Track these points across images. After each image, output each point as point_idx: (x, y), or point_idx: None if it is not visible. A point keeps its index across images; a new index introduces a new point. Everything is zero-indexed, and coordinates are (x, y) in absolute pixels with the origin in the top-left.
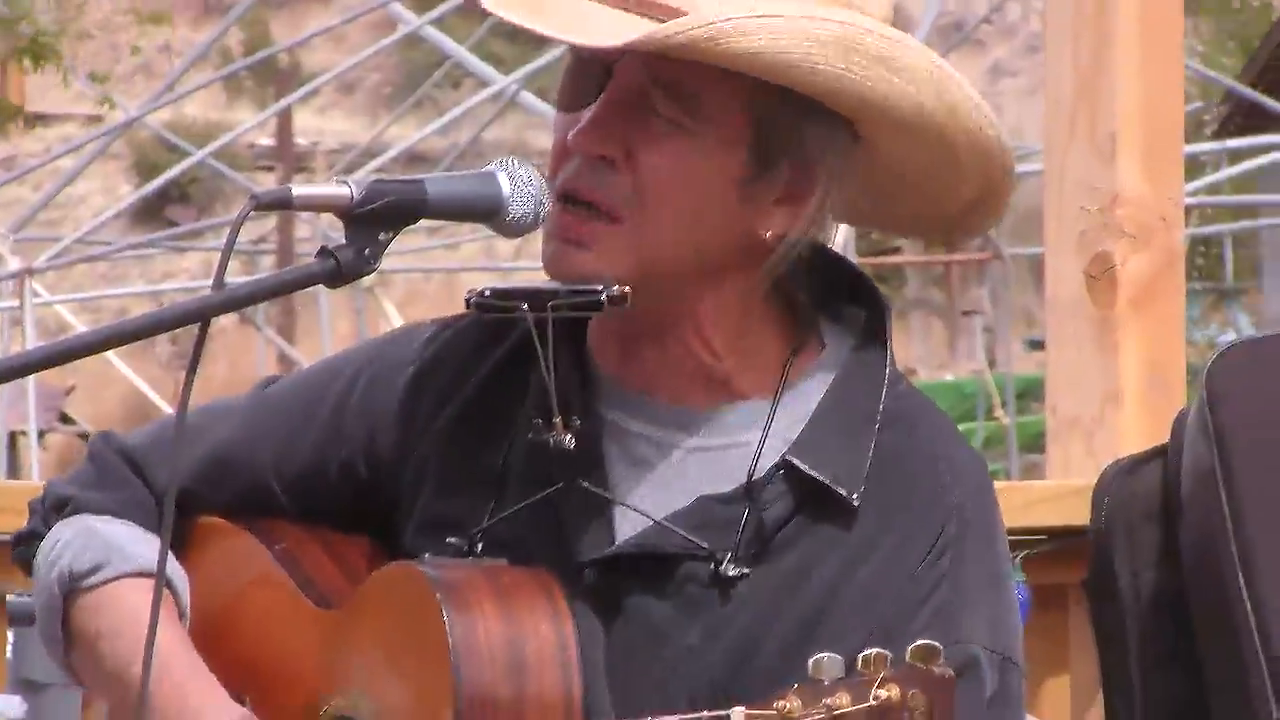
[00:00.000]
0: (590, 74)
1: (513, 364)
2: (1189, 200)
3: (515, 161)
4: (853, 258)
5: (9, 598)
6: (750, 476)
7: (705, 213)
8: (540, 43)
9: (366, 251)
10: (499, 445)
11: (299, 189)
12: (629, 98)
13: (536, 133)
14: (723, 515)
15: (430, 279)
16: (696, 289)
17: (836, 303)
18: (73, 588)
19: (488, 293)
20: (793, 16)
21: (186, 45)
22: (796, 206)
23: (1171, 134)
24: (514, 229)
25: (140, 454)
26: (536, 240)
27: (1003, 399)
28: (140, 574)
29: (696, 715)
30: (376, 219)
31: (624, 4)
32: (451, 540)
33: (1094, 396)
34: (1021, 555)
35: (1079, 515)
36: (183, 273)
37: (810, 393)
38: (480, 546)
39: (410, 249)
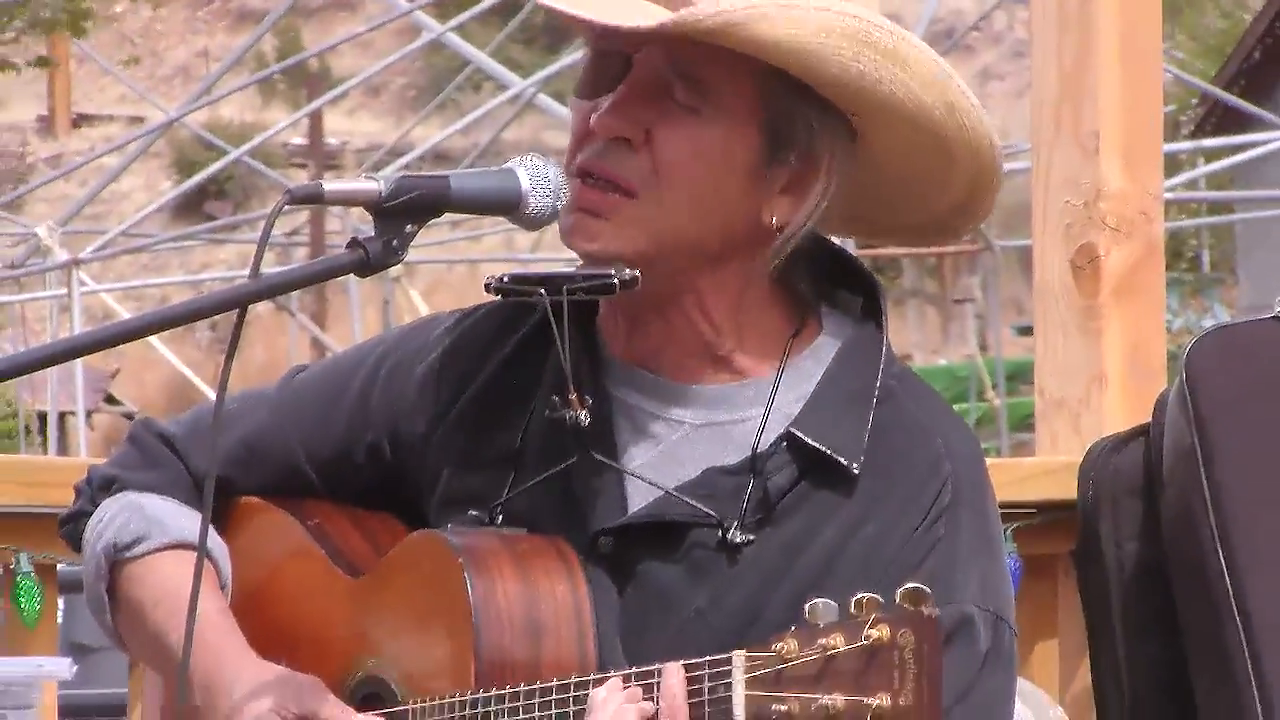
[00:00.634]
0: (611, 63)
1: (528, 349)
2: (1168, 196)
3: (534, 157)
4: (851, 248)
5: (59, 567)
6: (755, 449)
7: (716, 194)
8: (555, 47)
9: (394, 243)
10: (517, 424)
11: (330, 184)
12: (649, 85)
13: (553, 133)
14: (729, 485)
15: (453, 269)
16: (701, 268)
17: (835, 288)
18: (117, 559)
19: (506, 279)
20: (811, 8)
21: (224, 51)
22: (800, 196)
23: (1151, 133)
24: (533, 221)
25: (178, 439)
26: (554, 232)
27: (993, 382)
28: (180, 545)
29: (701, 660)
30: (403, 212)
31: None
32: (473, 513)
33: (1080, 379)
34: (1013, 528)
35: (1066, 490)
36: (220, 263)
37: (810, 372)
38: (500, 518)
39: (434, 241)
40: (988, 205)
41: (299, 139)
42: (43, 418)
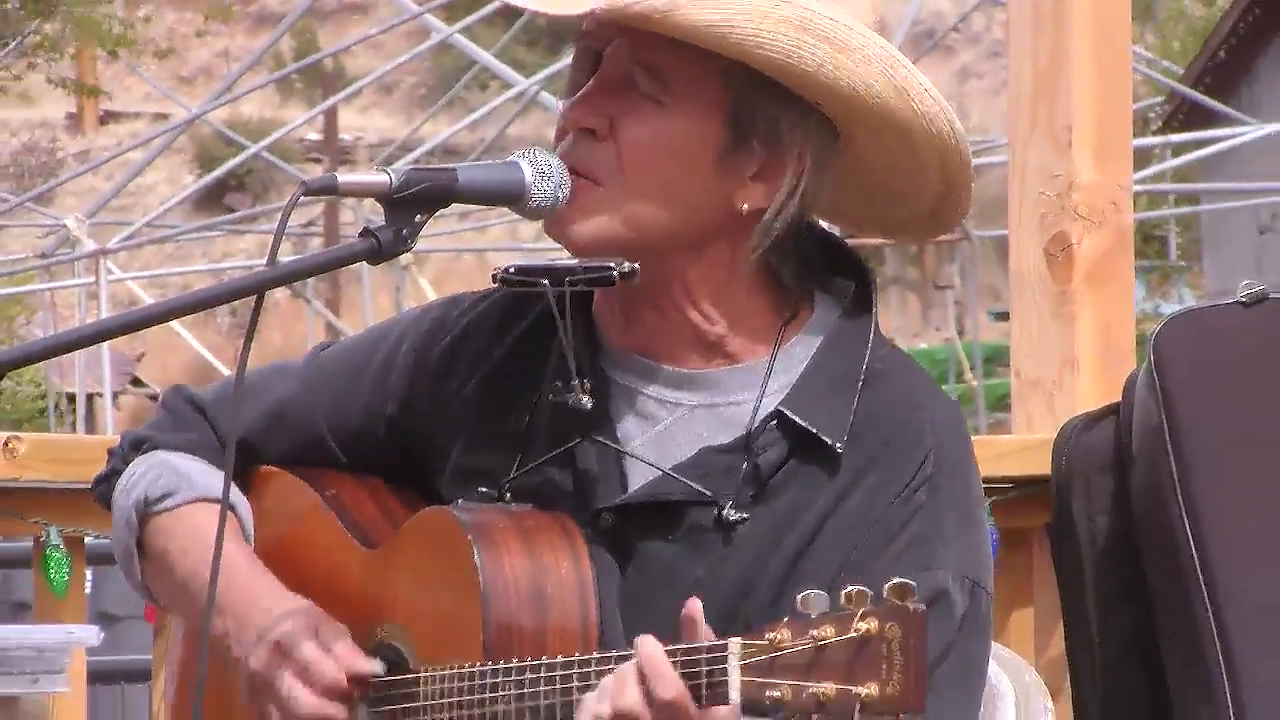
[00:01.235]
0: (586, 61)
1: (534, 334)
2: (1137, 188)
3: (537, 151)
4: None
5: (87, 540)
6: (749, 429)
7: (683, 182)
8: (557, 48)
9: (404, 232)
10: (525, 406)
11: (344, 176)
12: (615, 78)
13: (555, 129)
14: (723, 464)
15: (460, 258)
16: (683, 256)
17: (826, 275)
18: (147, 512)
19: (512, 270)
20: None
21: (243, 51)
22: (773, 184)
23: (1121, 128)
24: (536, 212)
25: (208, 405)
26: None
27: (971, 364)
28: (208, 499)
29: (697, 644)
30: (412, 203)
31: None
32: (483, 490)
33: (1053, 361)
34: (990, 502)
35: (1041, 466)
36: (240, 253)
37: (800, 356)
38: (508, 495)
39: (442, 231)
40: (964, 198)
41: (315, 135)
42: (71, 399)
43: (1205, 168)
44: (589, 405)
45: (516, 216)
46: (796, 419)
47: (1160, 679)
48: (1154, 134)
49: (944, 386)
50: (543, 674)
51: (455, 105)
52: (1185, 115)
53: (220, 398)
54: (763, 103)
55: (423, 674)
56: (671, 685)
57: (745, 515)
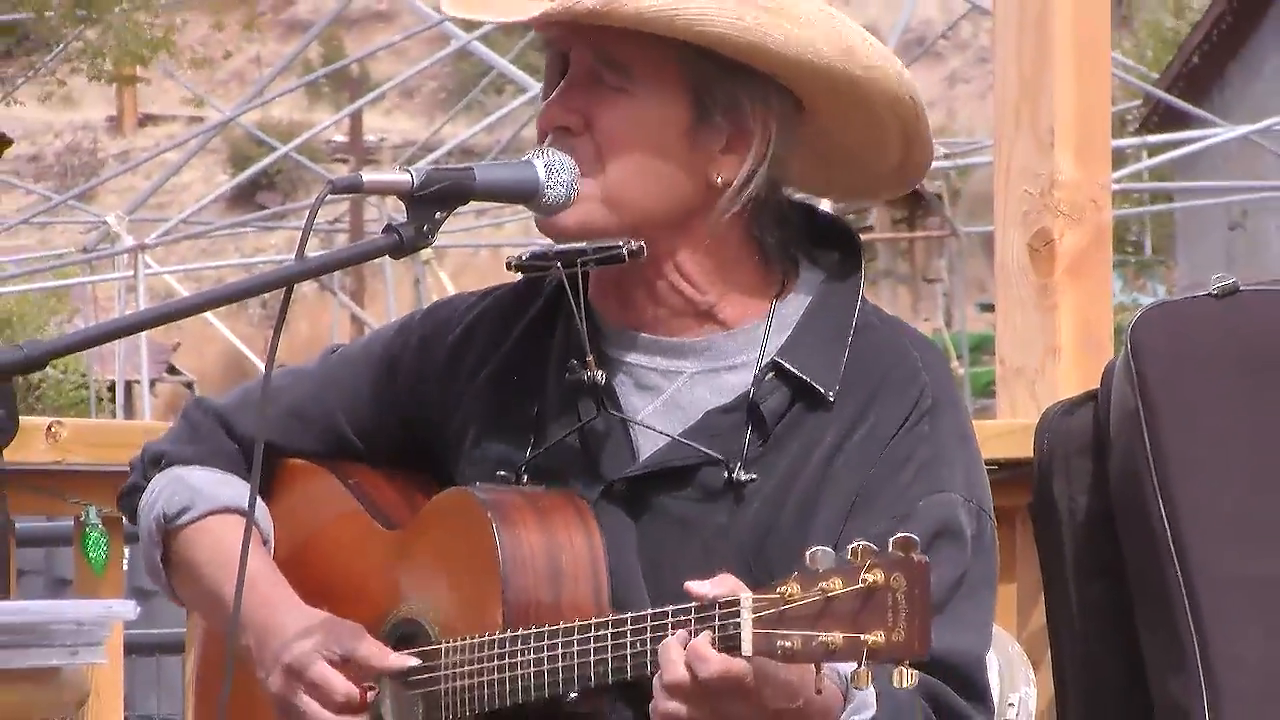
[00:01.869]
0: (556, 64)
1: (538, 327)
2: (1115, 186)
3: (550, 151)
4: None
5: (125, 520)
6: (752, 387)
7: (659, 162)
8: None
9: (424, 228)
10: (534, 393)
11: (368, 175)
12: (582, 76)
13: None
14: (728, 423)
15: (478, 253)
16: (669, 232)
17: (810, 247)
18: (168, 528)
19: (526, 256)
20: None
21: (274, 57)
22: (741, 154)
23: (1101, 130)
24: (549, 208)
25: (227, 412)
26: None
27: (959, 353)
28: (223, 510)
29: (712, 599)
30: (433, 201)
31: None
32: (500, 474)
33: (1036, 350)
34: None
35: (1024, 449)
36: (270, 248)
37: (791, 318)
38: (525, 478)
39: (461, 228)
40: (924, 154)
41: (341, 136)
42: (111, 386)
43: (1179, 167)
44: (602, 380)
45: (531, 214)
46: (792, 369)
47: (1135, 650)
48: (1131, 135)
49: None
50: (560, 639)
51: (473, 108)
52: (1161, 118)
53: (239, 403)
54: (720, 78)
55: (445, 646)
56: (715, 665)
57: (754, 476)
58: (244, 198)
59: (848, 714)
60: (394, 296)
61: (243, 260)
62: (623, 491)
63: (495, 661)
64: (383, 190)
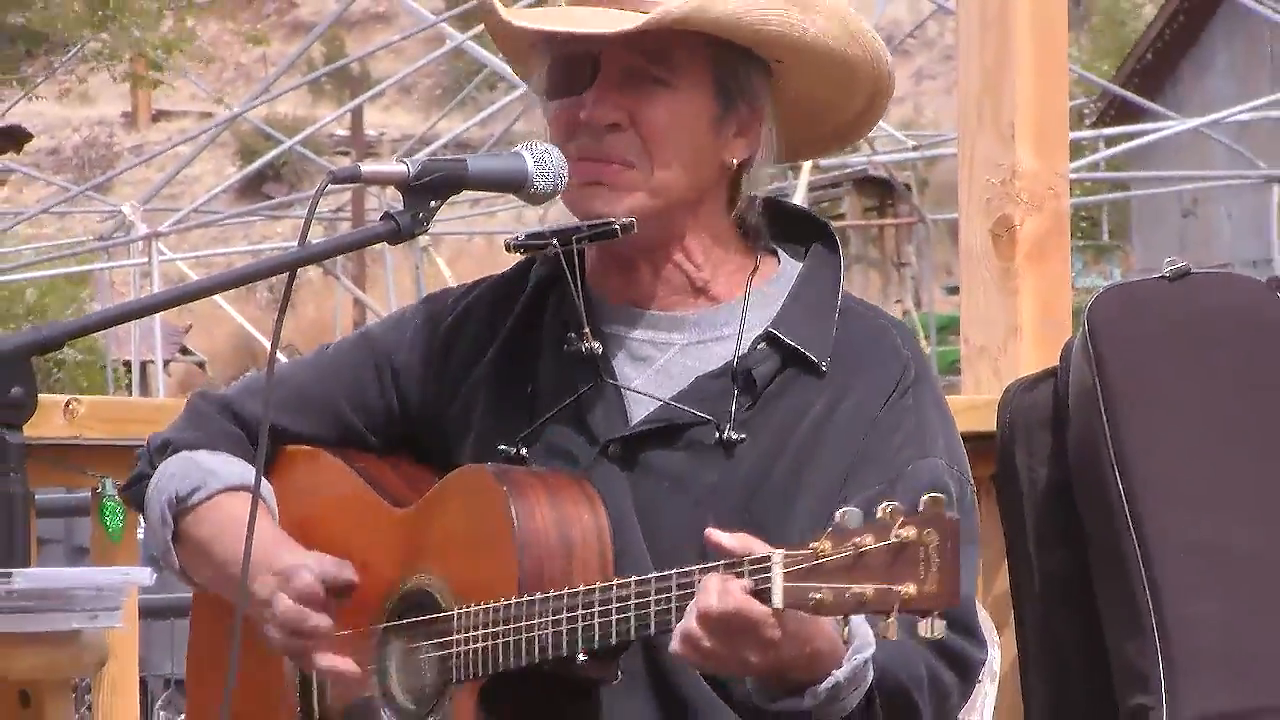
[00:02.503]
0: (580, 65)
1: (530, 310)
2: (1073, 175)
3: (538, 144)
4: None
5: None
6: (736, 354)
7: (693, 150)
8: None
9: (420, 216)
10: (530, 370)
11: (367, 166)
12: (621, 74)
13: None
14: (717, 388)
15: (472, 240)
16: (685, 212)
17: (790, 233)
18: (180, 508)
19: (523, 236)
20: None
21: (279, 56)
22: (751, 138)
23: (1059, 123)
24: (537, 197)
25: (231, 401)
26: (558, 208)
27: (926, 333)
28: (233, 488)
29: (742, 557)
30: (428, 190)
31: (602, 4)
32: (502, 447)
33: (999, 330)
34: None
35: (988, 423)
36: (277, 235)
37: (774, 296)
38: (525, 450)
39: (456, 216)
40: (881, 109)
41: (343, 131)
42: (127, 365)
43: (1135, 158)
44: (600, 350)
45: (522, 203)
46: (786, 338)
47: (1093, 613)
48: (1089, 128)
49: None
50: (581, 600)
51: (467, 104)
52: (1116, 111)
53: (241, 392)
54: (740, 67)
55: (457, 612)
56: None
57: (743, 436)
58: (251, 188)
59: (850, 654)
60: (393, 282)
61: (250, 247)
62: (617, 453)
63: (511, 624)
64: (380, 180)
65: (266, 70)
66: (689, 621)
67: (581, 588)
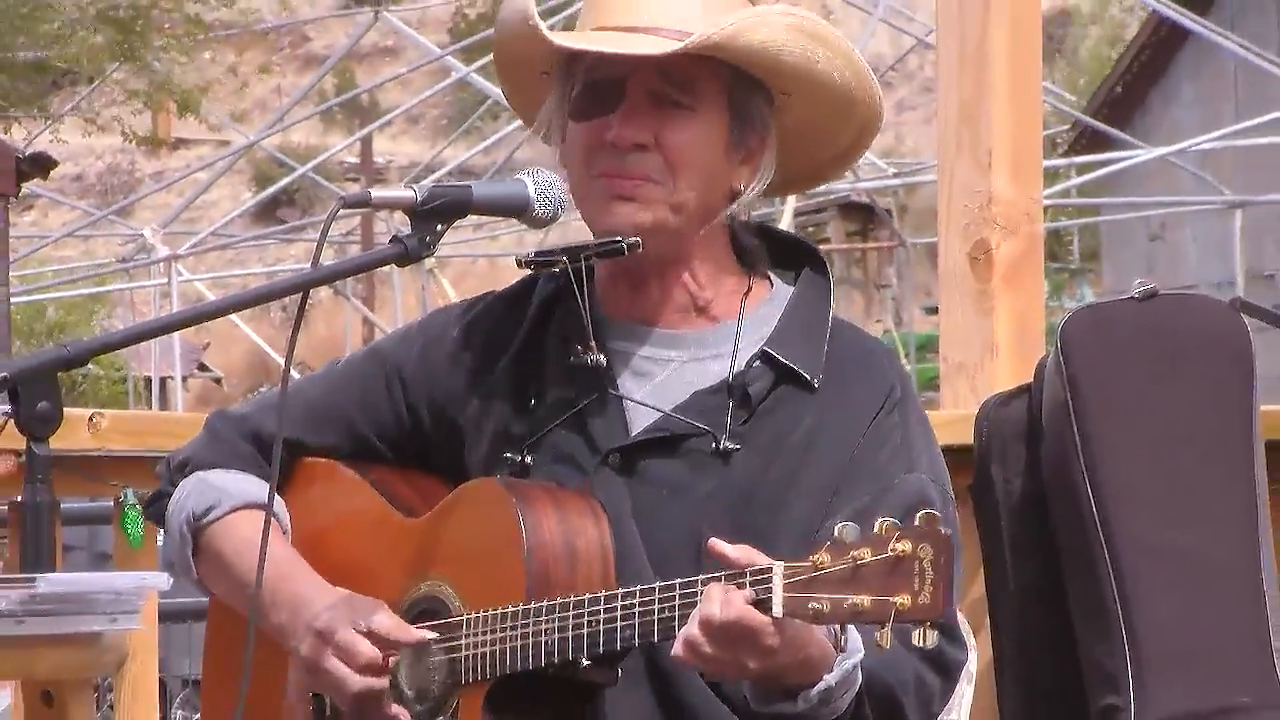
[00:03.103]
0: (607, 89)
1: (535, 325)
2: (1047, 201)
3: (540, 171)
4: None
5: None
6: (731, 370)
7: (709, 172)
8: None
9: (427, 239)
10: (535, 382)
11: (377, 192)
12: (648, 98)
13: None
14: (713, 402)
15: (476, 263)
16: (693, 231)
17: (780, 258)
18: (197, 526)
19: (534, 253)
20: (773, 13)
21: (292, 88)
22: (755, 165)
23: (1033, 151)
24: (539, 222)
25: (246, 418)
26: (559, 232)
27: (906, 351)
28: (247, 506)
29: (743, 569)
30: (434, 214)
31: (634, 29)
32: (507, 455)
33: (976, 348)
34: None
35: (965, 437)
36: (290, 258)
37: (768, 317)
38: (530, 457)
39: (460, 239)
40: (866, 145)
41: (353, 158)
42: (147, 381)
43: (1105, 185)
44: (605, 363)
45: (523, 227)
46: (780, 357)
47: (1065, 618)
48: (1061, 156)
49: None
50: (586, 608)
51: (472, 133)
52: (1088, 140)
53: (255, 409)
54: (751, 94)
55: (466, 618)
56: (730, 607)
57: (739, 446)
58: (266, 213)
59: (840, 660)
60: (401, 302)
61: (265, 269)
62: (618, 461)
63: (519, 629)
64: (389, 205)
65: (281, 100)
66: (692, 628)
67: (587, 595)
